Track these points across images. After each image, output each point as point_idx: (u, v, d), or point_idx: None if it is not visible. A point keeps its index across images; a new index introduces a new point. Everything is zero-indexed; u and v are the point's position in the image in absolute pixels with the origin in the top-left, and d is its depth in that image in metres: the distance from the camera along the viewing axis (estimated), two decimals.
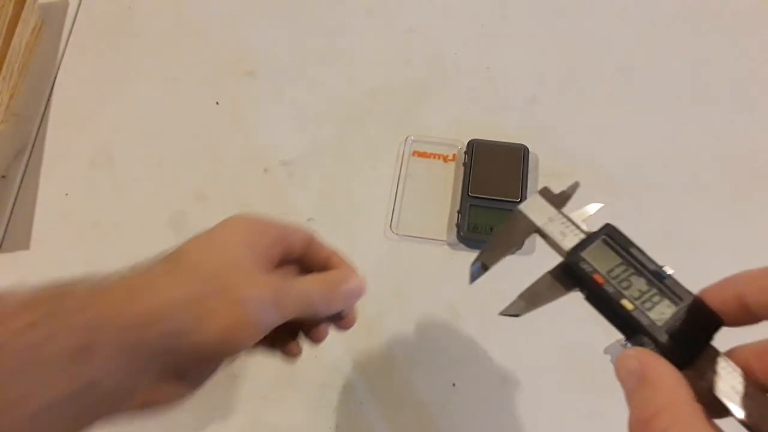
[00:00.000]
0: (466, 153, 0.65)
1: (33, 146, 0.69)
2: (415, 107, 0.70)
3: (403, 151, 0.66)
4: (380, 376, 0.56)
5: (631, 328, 0.30)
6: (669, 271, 0.32)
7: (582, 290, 0.32)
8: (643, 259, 0.32)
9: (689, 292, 0.31)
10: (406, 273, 0.60)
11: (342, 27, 0.76)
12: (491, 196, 0.62)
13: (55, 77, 0.74)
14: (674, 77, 0.71)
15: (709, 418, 0.25)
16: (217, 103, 0.72)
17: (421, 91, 0.71)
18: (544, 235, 0.34)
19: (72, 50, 0.75)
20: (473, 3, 0.77)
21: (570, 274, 0.32)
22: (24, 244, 0.64)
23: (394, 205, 0.63)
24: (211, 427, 0.55)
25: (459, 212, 0.62)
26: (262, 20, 0.77)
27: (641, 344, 0.29)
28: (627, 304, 0.30)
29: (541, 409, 0.54)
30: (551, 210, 0.35)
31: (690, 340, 0.29)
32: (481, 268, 0.34)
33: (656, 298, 0.31)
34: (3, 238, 0.65)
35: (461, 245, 0.61)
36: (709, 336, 0.29)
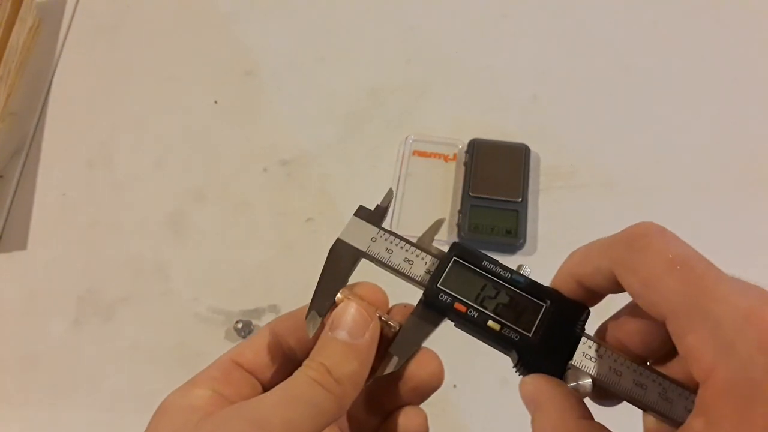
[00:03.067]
0: (466, 152, 0.65)
1: (30, 145, 0.69)
2: (415, 107, 0.70)
3: (404, 151, 0.66)
4: None
5: (506, 346, 0.30)
6: (525, 271, 0.31)
7: (449, 319, 0.31)
8: (498, 270, 0.31)
9: (550, 290, 0.31)
10: None
11: (342, 27, 0.76)
12: (492, 195, 0.62)
13: (53, 76, 0.73)
14: (675, 77, 0.71)
15: (598, 429, 0.26)
16: (216, 102, 0.71)
17: (421, 91, 0.71)
18: (381, 263, 0.32)
19: (70, 49, 0.75)
20: (474, 2, 0.77)
21: (432, 308, 0.31)
22: (21, 244, 0.64)
23: (395, 205, 0.62)
24: None
25: (460, 212, 0.61)
26: (262, 20, 0.76)
27: (520, 360, 0.29)
28: (493, 325, 0.30)
29: None
30: (372, 229, 0.33)
31: (564, 337, 0.29)
32: (317, 317, 0.31)
33: (520, 307, 0.30)
34: (0, 237, 0.64)
35: None
36: (582, 325, 0.30)
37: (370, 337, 0.30)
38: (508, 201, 0.61)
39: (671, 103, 0.69)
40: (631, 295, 0.27)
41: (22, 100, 0.71)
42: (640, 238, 0.27)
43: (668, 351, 0.29)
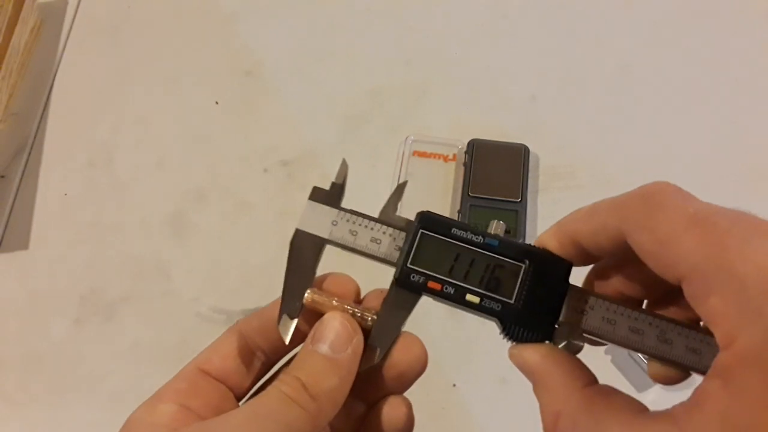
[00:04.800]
0: (466, 153, 0.65)
1: (32, 146, 0.69)
2: (415, 107, 0.70)
3: (403, 151, 0.66)
4: None
5: (489, 316, 0.29)
6: (499, 228, 0.30)
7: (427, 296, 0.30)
8: (469, 236, 0.29)
9: (526, 247, 0.29)
10: None
11: (342, 27, 0.76)
12: (492, 196, 0.62)
13: (54, 77, 0.73)
14: (674, 76, 0.71)
15: (606, 394, 0.26)
16: (216, 102, 0.71)
17: (421, 91, 0.71)
18: (346, 248, 0.30)
19: (71, 50, 0.75)
20: (473, 3, 0.77)
21: (406, 290, 0.30)
22: (23, 244, 0.64)
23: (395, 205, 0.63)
24: None
25: (459, 212, 0.62)
26: (262, 20, 0.76)
27: (506, 329, 0.28)
28: (472, 298, 0.29)
29: None
30: (331, 212, 0.31)
31: (549, 296, 0.28)
32: (289, 321, 0.29)
33: (498, 273, 0.29)
34: (2, 237, 0.64)
35: None
36: (566, 282, 0.28)
37: (353, 352, 0.28)
38: (507, 201, 0.61)
39: (671, 103, 0.69)
40: (642, 255, 0.25)
41: (23, 100, 0.72)
42: (657, 194, 0.25)
43: (663, 293, 0.28)
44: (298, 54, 0.74)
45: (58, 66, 0.74)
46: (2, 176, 0.68)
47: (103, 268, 0.62)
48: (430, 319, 0.57)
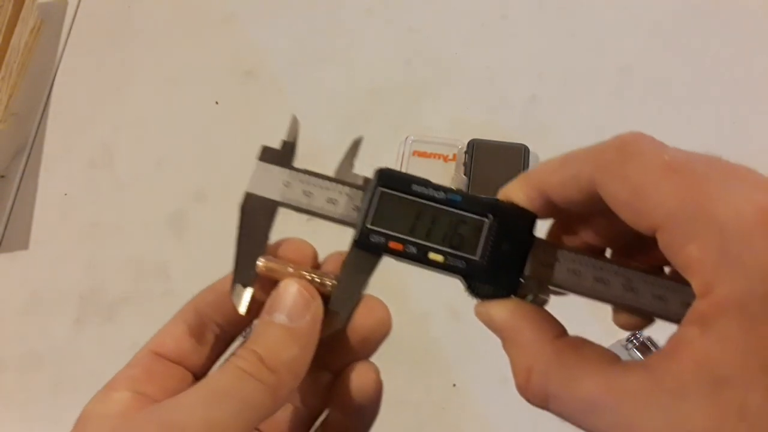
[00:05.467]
0: (466, 153, 0.65)
1: (32, 146, 0.69)
2: (415, 107, 0.70)
3: (403, 151, 0.66)
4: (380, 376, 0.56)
5: (454, 274, 0.27)
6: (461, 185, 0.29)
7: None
8: (431, 192, 0.28)
9: (489, 201, 0.28)
10: (406, 272, 0.60)
11: (342, 27, 0.76)
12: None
13: (54, 77, 0.73)
14: (674, 77, 0.71)
15: (576, 345, 0.25)
16: (216, 102, 0.71)
17: (421, 91, 0.71)
18: (301, 210, 0.29)
19: (71, 50, 0.75)
20: (473, 3, 0.77)
21: (365, 250, 0.28)
22: (23, 244, 0.64)
23: None
24: None
25: None
26: (262, 20, 0.76)
27: (471, 287, 0.27)
28: (435, 257, 0.28)
29: (541, 411, 0.54)
30: (283, 172, 0.29)
31: (514, 250, 0.27)
32: (242, 290, 0.28)
33: (461, 229, 0.28)
34: (2, 237, 0.64)
35: None
36: (530, 235, 0.27)
37: (311, 319, 0.27)
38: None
39: (671, 104, 0.69)
40: (616, 206, 0.24)
41: (23, 100, 0.72)
42: (631, 144, 0.24)
43: (627, 241, 0.27)
44: (298, 54, 0.74)
45: (58, 66, 0.74)
46: (2, 176, 0.68)
47: (103, 268, 0.63)
48: (431, 319, 0.57)
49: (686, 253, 0.21)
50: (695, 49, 0.72)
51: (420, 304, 0.58)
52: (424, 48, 0.74)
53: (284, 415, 0.31)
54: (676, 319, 0.26)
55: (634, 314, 0.27)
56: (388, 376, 0.62)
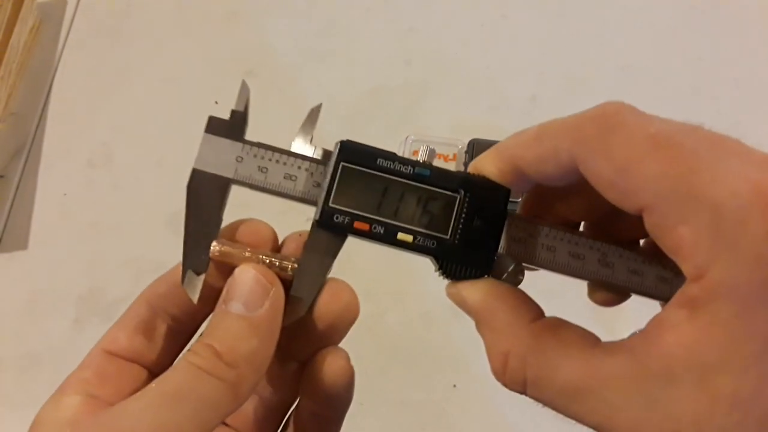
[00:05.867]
0: (466, 153, 0.65)
1: (31, 146, 0.69)
2: (415, 107, 0.70)
3: (403, 151, 0.66)
4: (380, 377, 0.56)
5: (424, 254, 0.26)
6: (424, 156, 0.27)
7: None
8: (397, 167, 0.26)
9: (460, 176, 0.26)
10: (407, 273, 0.60)
11: (342, 27, 0.76)
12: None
13: (54, 76, 0.73)
14: (674, 77, 0.71)
15: (554, 328, 0.24)
16: (216, 102, 0.71)
17: (421, 91, 0.71)
18: (256, 187, 0.27)
19: (70, 49, 0.75)
20: (473, 2, 0.77)
21: (329, 230, 0.26)
22: (22, 244, 0.64)
23: None
24: None
25: None
26: (263, 19, 0.76)
27: (443, 267, 0.26)
28: (404, 237, 0.26)
29: (542, 410, 0.54)
30: (235, 146, 0.27)
31: (487, 227, 0.26)
32: (195, 277, 0.25)
33: (431, 207, 0.26)
34: (1, 237, 0.64)
35: None
36: (504, 210, 0.26)
37: (271, 307, 0.25)
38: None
39: (671, 104, 0.69)
40: (598, 184, 0.22)
41: (22, 100, 0.71)
42: (613, 116, 0.22)
43: (602, 214, 0.26)
44: (299, 54, 0.74)
45: (58, 65, 0.74)
46: (1, 176, 0.68)
47: (102, 269, 0.62)
48: (431, 319, 0.57)
49: (677, 235, 0.20)
50: (696, 49, 0.72)
51: (420, 304, 0.58)
52: (425, 48, 0.74)
53: (252, 406, 0.29)
54: (651, 294, 0.25)
55: (610, 290, 0.26)
56: (389, 376, 0.62)
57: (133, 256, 0.63)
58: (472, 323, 0.56)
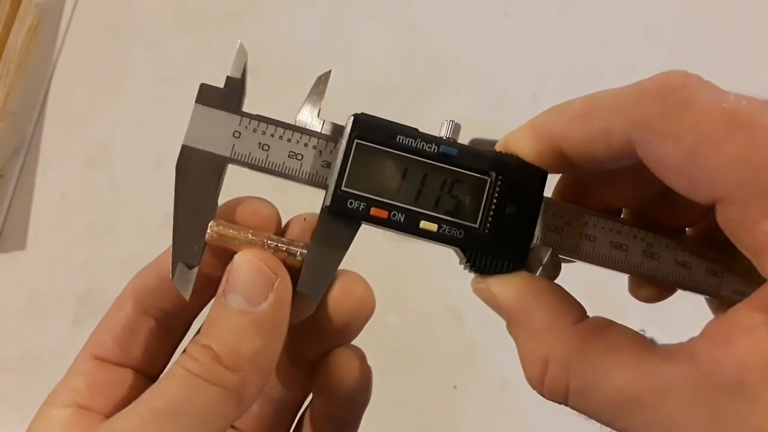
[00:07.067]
0: None
1: (29, 145, 0.69)
2: (415, 107, 0.70)
3: None
4: (380, 377, 0.56)
5: (450, 245, 0.23)
6: (455, 131, 0.23)
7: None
8: (419, 145, 0.23)
9: (492, 155, 0.23)
10: (407, 273, 0.59)
11: (342, 27, 0.75)
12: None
13: (52, 76, 0.73)
14: None
15: (601, 331, 0.21)
16: None
17: (422, 91, 0.71)
18: (257, 167, 0.22)
19: (68, 49, 0.75)
20: (474, 2, 0.76)
21: (341, 218, 0.22)
22: (20, 244, 0.63)
23: None
24: None
25: None
26: (262, 19, 0.76)
27: (471, 260, 0.23)
28: (428, 225, 0.22)
29: (542, 410, 0.54)
30: (232, 119, 0.22)
31: (521, 214, 0.22)
32: (186, 272, 0.23)
33: (458, 191, 0.23)
34: None
35: None
36: (540, 195, 0.23)
37: (276, 300, 0.21)
38: None
39: None
40: (660, 172, 0.19)
41: (21, 99, 0.71)
42: (680, 89, 0.19)
43: (648, 199, 0.23)
44: (298, 53, 0.74)
45: (56, 65, 0.74)
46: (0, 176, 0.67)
47: (100, 269, 0.62)
48: (432, 321, 0.56)
49: (760, 231, 0.18)
50: (695, 49, 0.72)
51: (421, 305, 0.58)
52: (425, 47, 0.73)
53: (260, 406, 0.27)
54: (700, 289, 0.23)
55: (654, 284, 0.23)
56: (389, 377, 0.62)
57: (132, 256, 0.63)
58: (472, 324, 0.55)
